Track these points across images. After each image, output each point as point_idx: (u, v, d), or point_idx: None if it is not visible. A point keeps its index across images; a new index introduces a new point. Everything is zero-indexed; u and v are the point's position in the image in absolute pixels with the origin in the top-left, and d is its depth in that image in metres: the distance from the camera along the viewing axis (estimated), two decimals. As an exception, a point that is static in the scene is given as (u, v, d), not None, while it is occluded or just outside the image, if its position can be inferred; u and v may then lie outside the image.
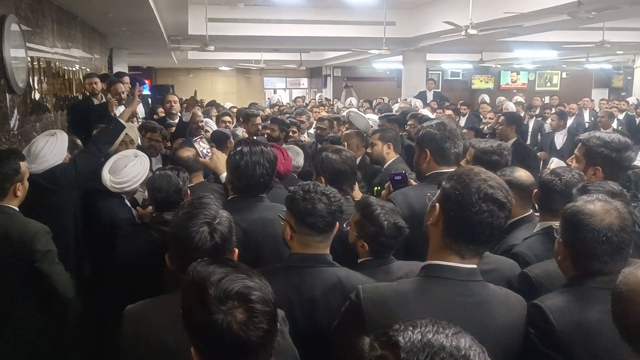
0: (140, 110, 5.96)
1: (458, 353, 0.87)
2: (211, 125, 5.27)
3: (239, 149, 2.35)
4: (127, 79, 6.63)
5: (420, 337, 0.90)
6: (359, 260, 2.11)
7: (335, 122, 5.59)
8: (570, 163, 2.63)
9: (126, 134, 3.55)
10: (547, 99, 12.20)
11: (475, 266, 1.49)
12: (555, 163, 4.06)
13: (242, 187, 2.35)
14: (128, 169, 3.00)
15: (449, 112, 7.74)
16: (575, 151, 2.61)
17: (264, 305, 1.10)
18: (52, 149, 2.99)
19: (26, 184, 2.61)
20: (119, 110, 5.47)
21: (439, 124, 2.49)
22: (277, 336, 1.16)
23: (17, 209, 2.53)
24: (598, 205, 1.60)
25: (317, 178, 2.70)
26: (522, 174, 2.50)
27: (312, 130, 6.31)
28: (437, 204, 1.49)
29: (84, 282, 3.32)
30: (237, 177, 2.34)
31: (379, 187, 3.07)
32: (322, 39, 10.69)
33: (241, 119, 5.58)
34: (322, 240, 1.89)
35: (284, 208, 2.21)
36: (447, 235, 1.47)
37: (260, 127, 5.28)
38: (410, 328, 0.92)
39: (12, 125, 3.32)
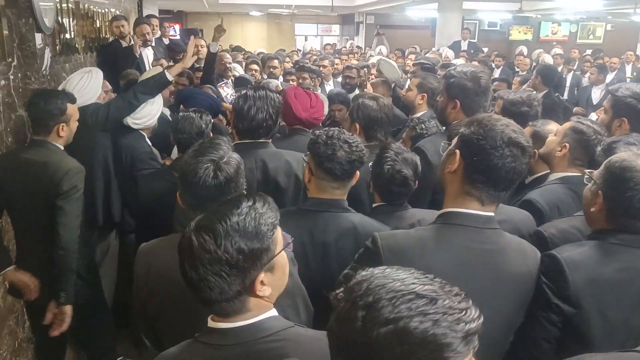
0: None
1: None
2: (239, 70, 5.24)
3: (242, 92, 2.34)
4: (155, 21, 6.61)
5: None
6: (373, 205, 2.14)
7: (365, 70, 5.48)
8: (598, 115, 2.56)
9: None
10: (587, 53, 11.70)
11: (492, 214, 1.49)
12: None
13: (244, 131, 2.34)
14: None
15: (475, 63, 7.49)
16: (604, 102, 2.54)
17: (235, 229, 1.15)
18: (86, 84, 3.05)
19: (73, 126, 2.66)
20: (144, 51, 5.49)
21: (474, 75, 2.41)
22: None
23: (62, 147, 2.61)
24: None
25: (351, 125, 2.69)
26: (553, 128, 2.44)
27: (339, 79, 6.21)
28: (457, 150, 1.48)
29: (112, 224, 3.45)
30: (239, 121, 2.34)
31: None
32: (354, -16, 10.36)
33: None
34: (338, 187, 1.91)
35: (290, 155, 2.24)
36: (468, 181, 1.46)
37: (275, 70, 5.23)
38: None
39: (42, 66, 3.36)
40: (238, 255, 1.12)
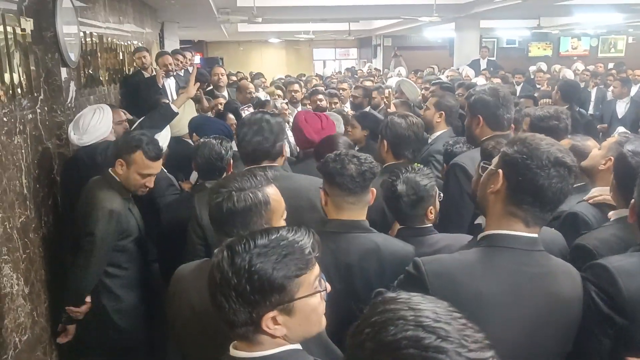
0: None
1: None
2: (261, 95, 5.32)
3: (243, 118, 2.36)
4: (180, 56, 6.81)
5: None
6: (397, 229, 2.13)
7: (376, 92, 5.52)
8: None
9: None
10: (610, 66, 11.56)
11: (537, 235, 1.45)
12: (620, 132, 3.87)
13: (244, 156, 2.33)
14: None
15: (497, 80, 7.47)
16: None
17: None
18: (100, 120, 3.09)
19: (142, 169, 2.59)
20: (166, 81, 5.61)
21: (492, 89, 2.50)
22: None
23: (118, 179, 2.62)
24: None
25: (381, 142, 2.71)
26: (591, 144, 2.43)
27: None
28: (500, 170, 1.44)
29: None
30: (239, 147, 2.34)
31: (419, 165, 3.02)
32: (370, 7, 10.47)
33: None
34: (354, 202, 1.90)
35: (304, 179, 2.22)
36: (512, 202, 1.42)
37: (296, 94, 5.31)
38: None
39: (68, 98, 3.45)
40: (246, 284, 1.08)
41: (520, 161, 1.39)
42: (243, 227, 1.55)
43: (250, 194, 1.56)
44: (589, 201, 2.11)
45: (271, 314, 1.11)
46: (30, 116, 2.90)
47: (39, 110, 3.02)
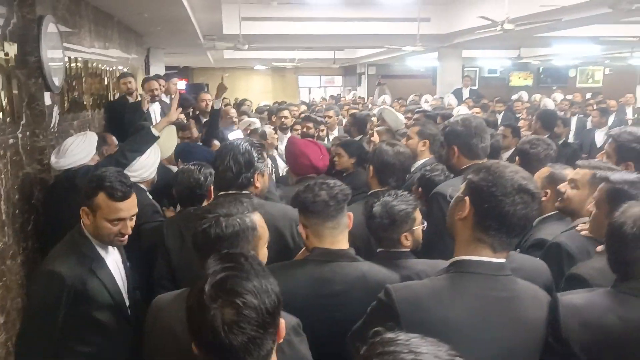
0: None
1: None
2: (256, 124, 5.33)
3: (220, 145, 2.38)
4: (161, 80, 6.82)
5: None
6: (378, 250, 2.15)
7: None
8: (601, 159, 2.56)
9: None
10: (588, 96, 11.84)
11: (504, 260, 1.47)
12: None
13: (215, 183, 2.32)
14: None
15: (476, 109, 7.61)
16: (606, 147, 2.55)
17: (252, 311, 1.07)
18: (79, 145, 3.06)
19: (109, 215, 2.12)
20: (152, 106, 5.60)
21: (464, 119, 2.53)
22: (269, 345, 1.11)
23: (85, 232, 2.17)
24: None
25: (368, 168, 2.76)
26: (569, 173, 2.44)
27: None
28: (467, 197, 1.47)
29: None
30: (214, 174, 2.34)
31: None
32: (355, 37, 10.66)
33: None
34: (334, 227, 1.89)
35: (275, 208, 2.25)
36: (479, 228, 1.45)
37: (286, 120, 5.35)
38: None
39: (50, 123, 3.42)
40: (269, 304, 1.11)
41: (485, 189, 1.43)
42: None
43: (238, 220, 1.56)
44: (582, 232, 2.10)
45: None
46: (11, 141, 2.87)
47: (20, 135, 2.99)
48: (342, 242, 1.93)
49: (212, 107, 4.71)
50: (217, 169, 2.24)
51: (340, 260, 1.89)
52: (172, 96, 6.29)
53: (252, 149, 2.21)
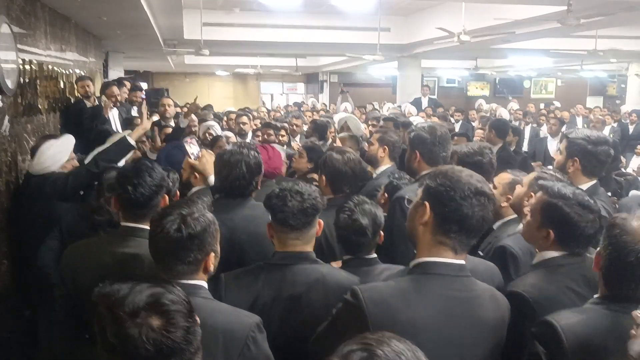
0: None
1: None
2: (216, 129, 5.30)
3: (224, 150, 2.42)
4: (127, 84, 6.73)
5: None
6: (344, 258, 2.15)
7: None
8: (555, 157, 2.72)
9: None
10: (541, 106, 12.29)
11: (464, 262, 1.53)
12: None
13: (223, 187, 2.40)
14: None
15: (435, 119, 7.80)
16: (560, 145, 2.70)
17: (178, 305, 1.11)
18: (51, 149, 3.03)
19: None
20: (111, 113, 5.51)
21: (431, 127, 2.63)
22: (199, 332, 1.15)
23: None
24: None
25: (319, 177, 2.77)
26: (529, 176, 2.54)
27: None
28: (426, 202, 1.52)
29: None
30: (219, 178, 2.41)
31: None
32: (317, 45, 10.75)
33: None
34: (297, 238, 1.90)
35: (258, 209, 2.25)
36: (441, 231, 1.50)
37: (245, 126, 5.38)
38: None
39: (3, 127, 3.33)
40: None
41: (444, 193, 1.48)
42: (200, 250, 1.58)
43: (202, 217, 1.60)
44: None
45: None
46: (-40, 144, 2.79)
47: (-30, 138, 2.91)
48: (302, 247, 1.94)
49: (178, 124, 4.71)
50: (224, 177, 2.34)
51: (301, 263, 1.90)
52: (137, 105, 6.22)
53: (257, 155, 2.43)
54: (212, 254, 1.64)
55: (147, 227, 1.90)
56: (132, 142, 3.19)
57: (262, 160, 2.98)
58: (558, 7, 5.89)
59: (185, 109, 6.63)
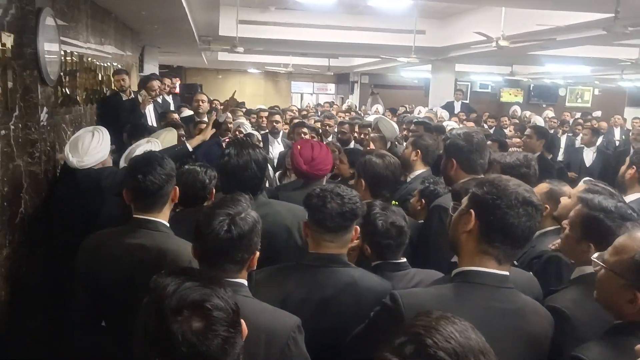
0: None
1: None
2: (246, 127, 5.32)
3: (227, 151, 2.35)
4: (167, 80, 6.84)
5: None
6: (372, 264, 2.11)
7: (356, 127, 5.62)
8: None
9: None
10: (577, 115, 12.00)
11: (508, 273, 1.50)
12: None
13: (232, 188, 2.32)
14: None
15: (470, 124, 7.67)
16: None
17: (221, 312, 1.08)
18: (100, 142, 3.08)
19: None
20: (148, 109, 5.58)
21: (466, 134, 2.56)
22: (240, 343, 1.11)
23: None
24: None
25: (357, 181, 2.72)
26: (567, 189, 2.49)
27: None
28: (472, 210, 1.49)
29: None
30: (226, 178, 2.38)
31: (396, 202, 3.03)
32: (350, 45, 10.70)
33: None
34: (331, 240, 1.88)
35: (282, 206, 2.26)
36: (485, 240, 1.47)
37: (279, 125, 5.39)
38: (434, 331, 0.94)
39: (43, 116, 3.39)
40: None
41: (490, 202, 1.46)
42: (247, 249, 1.59)
43: (248, 217, 1.60)
44: (550, 246, 2.13)
45: None
46: (3, 132, 2.83)
47: (12, 127, 2.95)
48: (335, 250, 1.91)
49: (216, 119, 4.74)
50: (238, 173, 2.30)
51: (332, 266, 1.88)
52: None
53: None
54: (257, 253, 1.65)
55: (157, 219, 2.03)
56: (191, 149, 3.43)
57: (306, 161, 2.95)
58: (604, 15, 5.72)
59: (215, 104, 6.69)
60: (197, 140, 3.58)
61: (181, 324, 1.04)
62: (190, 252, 1.91)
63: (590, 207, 1.76)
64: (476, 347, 0.96)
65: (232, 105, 4.81)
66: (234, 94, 4.95)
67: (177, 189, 2.14)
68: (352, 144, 5.28)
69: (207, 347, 1.04)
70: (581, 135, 7.71)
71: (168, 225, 2.08)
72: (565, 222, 1.92)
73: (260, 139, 4.92)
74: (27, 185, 3.16)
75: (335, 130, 5.81)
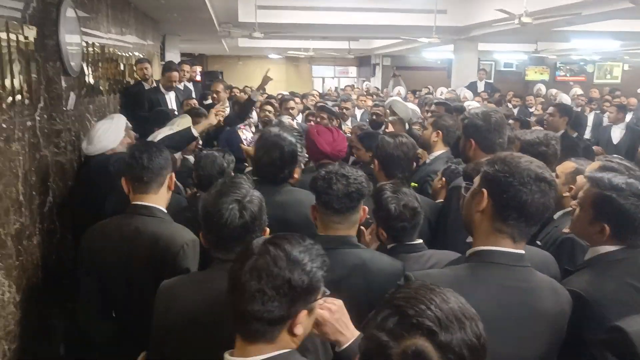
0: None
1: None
2: (253, 115, 5.35)
3: (261, 136, 2.42)
4: (186, 66, 6.89)
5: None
6: (388, 247, 2.11)
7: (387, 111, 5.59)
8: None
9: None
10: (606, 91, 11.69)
11: (523, 252, 1.48)
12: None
13: (260, 173, 2.40)
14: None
15: (491, 104, 7.53)
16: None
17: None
18: (107, 132, 3.16)
19: None
20: (169, 95, 5.63)
21: (484, 113, 2.52)
22: (283, 309, 1.17)
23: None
24: None
25: (373, 162, 2.76)
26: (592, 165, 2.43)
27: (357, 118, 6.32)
28: (484, 189, 1.48)
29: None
30: (256, 164, 2.43)
31: (416, 184, 3.02)
32: (371, 27, 10.59)
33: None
34: (339, 222, 1.88)
35: (302, 194, 2.26)
36: (499, 219, 1.46)
37: (294, 111, 5.38)
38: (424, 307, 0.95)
39: (67, 107, 3.46)
40: (300, 281, 1.16)
41: (503, 179, 1.44)
42: (259, 228, 1.63)
43: (253, 197, 1.65)
44: (564, 230, 2.09)
45: (304, 312, 1.19)
46: (29, 123, 2.90)
47: (38, 118, 3.03)
48: (343, 231, 1.91)
49: (249, 97, 4.75)
50: (258, 160, 2.34)
51: (342, 248, 1.87)
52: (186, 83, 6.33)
53: (297, 143, 2.38)
54: (267, 230, 1.68)
55: (153, 205, 2.11)
56: (196, 134, 3.40)
57: (327, 142, 2.98)
58: (630, -14, 5.55)
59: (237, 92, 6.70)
60: (202, 125, 3.59)
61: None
62: (185, 237, 2.00)
63: (600, 186, 1.69)
64: (458, 311, 0.97)
65: (266, 82, 4.76)
66: (267, 72, 4.86)
67: (174, 176, 2.23)
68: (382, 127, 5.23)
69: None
70: (607, 113, 7.52)
71: (165, 210, 2.16)
72: (573, 203, 1.85)
73: (295, 125, 4.92)
74: (54, 174, 3.25)
75: (355, 112, 5.77)
